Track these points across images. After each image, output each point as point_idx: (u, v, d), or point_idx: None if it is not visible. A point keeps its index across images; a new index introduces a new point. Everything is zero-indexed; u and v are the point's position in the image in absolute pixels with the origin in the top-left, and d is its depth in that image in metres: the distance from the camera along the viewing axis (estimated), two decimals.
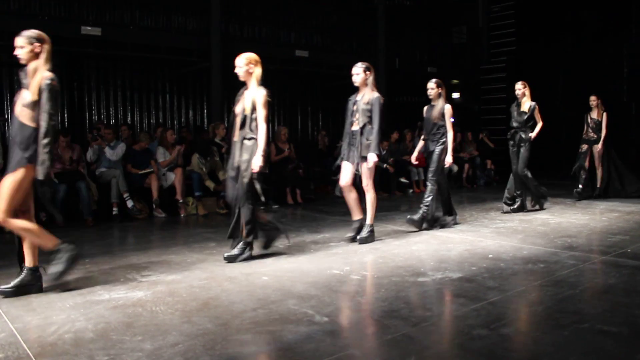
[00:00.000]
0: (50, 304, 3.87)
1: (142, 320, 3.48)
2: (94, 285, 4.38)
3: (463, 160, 12.80)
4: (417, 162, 7.74)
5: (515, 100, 8.18)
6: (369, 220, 6.02)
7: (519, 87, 8.07)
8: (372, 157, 5.75)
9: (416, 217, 6.65)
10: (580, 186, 9.50)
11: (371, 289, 4.11)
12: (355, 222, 6.08)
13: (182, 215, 8.41)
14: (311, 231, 6.78)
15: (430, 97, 6.93)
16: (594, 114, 9.61)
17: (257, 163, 4.99)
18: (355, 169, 5.88)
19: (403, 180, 11.56)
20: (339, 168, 6.10)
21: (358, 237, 5.96)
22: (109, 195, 8.09)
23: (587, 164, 9.60)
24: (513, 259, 5.04)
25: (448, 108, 6.86)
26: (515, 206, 8.11)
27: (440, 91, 6.89)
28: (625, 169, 9.83)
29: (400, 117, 14.38)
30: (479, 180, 13.11)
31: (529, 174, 8.02)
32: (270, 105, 5.26)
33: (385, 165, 11.23)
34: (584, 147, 9.63)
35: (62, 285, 4.35)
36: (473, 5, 17.34)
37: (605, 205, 8.66)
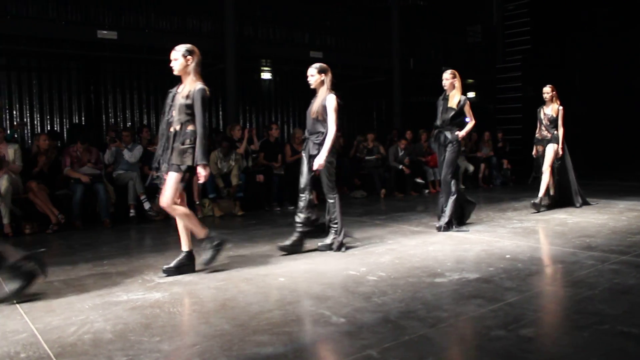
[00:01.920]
0: (70, 305, 3.91)
1: (160, 321, 3.51)
2: (112, 286, 4.42)
3: (479, 160, 12.73)
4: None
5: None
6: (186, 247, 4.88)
7: (447, 77, 6.75)
8: None
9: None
10: (539, 195, 8.07)
11: (388, 289, 4.09)
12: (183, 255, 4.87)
13: (199, 216, 8.43)
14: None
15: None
16: (548, 109, 8.20)
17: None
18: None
19: (419, 180, 11.52)
20: None
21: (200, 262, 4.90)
22: (126, 197, 8.16)
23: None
24: (531, 259, 5.00)
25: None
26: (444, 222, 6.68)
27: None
28: (576, 182, 8.40)
29: (415, 117, 14.34)
30: (495, 180, 13.02)
31: (454, 185, 6.67)
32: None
33: (400, 166, 11.21)
34: (539, 149, 8.32)
35: (80, 287, 4.40)
36: (487, 4, 17.25)
37: (624, 204, 8.56)
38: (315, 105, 5.70)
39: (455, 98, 6.69)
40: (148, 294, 4.16)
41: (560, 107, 8.13)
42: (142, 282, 4.52)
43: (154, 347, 3.05)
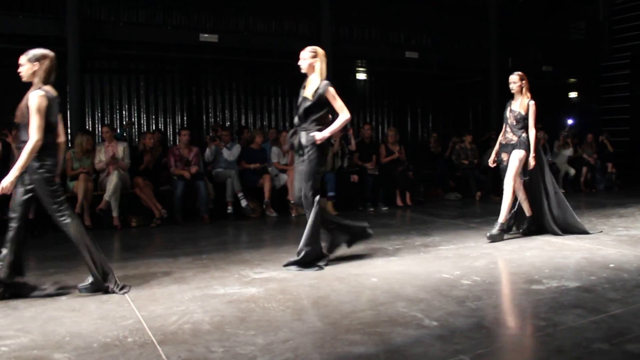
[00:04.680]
0: (171, 296, 4.13)
1: (254, 315, 3.62)
2: (210, 279, 4.61)
3: (581, 163, 12.13)
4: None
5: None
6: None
7: (304, 57, 5.06)
8: None
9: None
10: (499, 220, 6.17)
11: (482, 294, 4.01)
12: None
13: (293, 215, 8.62)
14: (421, 234, 6.71)
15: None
16: (516, 105, 6.27)
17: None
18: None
19: None
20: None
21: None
22: (224, 194, 8.47)
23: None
24: (638, 269, 4.71)
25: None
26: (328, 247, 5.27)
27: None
28: (558, 207, 6.41)
29: None
30: (598, 185, 12.35)
31: (317, 204, 4.97)
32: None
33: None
34: (504, 157, 6.33)
35: (181, 279, 4.63)
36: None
37: None
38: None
39: (312, 84, 5.01)
40: (244, 288, 4.31)
41: (532, 102, 6.19)
42: (239, 277, 4.68)
43: (249, 340, 3.16)
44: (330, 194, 8.92)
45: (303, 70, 5.07)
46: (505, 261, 5.16)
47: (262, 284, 4.42)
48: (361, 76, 13.80)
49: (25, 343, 3.20)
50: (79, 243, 4.22)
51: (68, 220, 4.19)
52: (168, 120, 11.86)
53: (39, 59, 4.17)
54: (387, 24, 12.63)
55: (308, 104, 4.96)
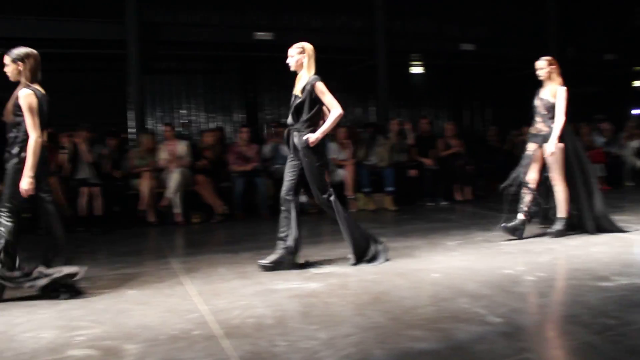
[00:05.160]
0: (234, 291, 4.21)
1: (316, 310, 3.65)
2: (271, 275, 4.66)
3: None
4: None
5: None
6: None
7: (291, 54, 4.93)
8: None
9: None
10: (522, 216, 5.82)
11: (547, 291, 3.91)
12: None
13: (352, 210, 8.62)
14: (481, 229, 6.58)
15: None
16: (545, 92, 5.86)
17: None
18: None
19: None
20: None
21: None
22: None
23: (535, 175, 5.85)
24: None
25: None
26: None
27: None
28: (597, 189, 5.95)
29: (574, 109, 13.42)
30: None
31: (294, 208, 4.93)
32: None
33: None
34: (531, 147, 5.91)
35: (243, 274, 4.72)
36: None
37: None
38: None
39: (301, 81, 4.85)
40: (305, 283, 4.35)
41: (562, 88, 5.75)
42: (299, 272, 4.72)
43: (312, 335, 3.18)
44: (389, 189, 8.89)
45: (292, 68, 4.93)
46: (570, 257, 5.01)
47: (322, 279, 4.45)
48: (416, 70, 13.65)
49: (99, 333, 3.34)
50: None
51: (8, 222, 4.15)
52: (226, 118, 12.07)
53: (23, 58, 4.21)
54: (442, 16, 12.45)
55: (298, 101, 4.80)
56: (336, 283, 4.34)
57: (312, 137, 4.73)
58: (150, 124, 11.21)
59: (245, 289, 4.24)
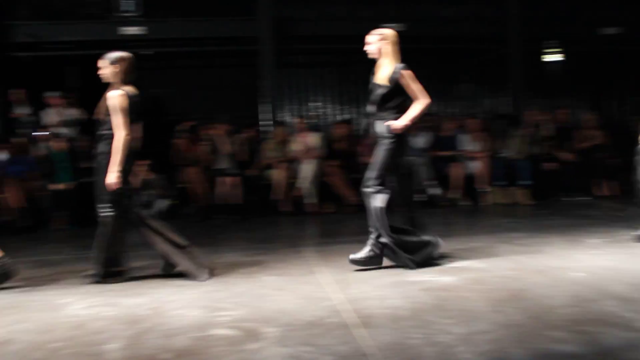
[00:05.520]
0: (368, 281, 4.26)
1: (451, 304, 3.60)
2: (402, 266, 4.63)
3: None
4: None
5: None
6: None
7: (371, 41, 4.74)
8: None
9: None
10: None
11: None
12: None
13: (484, 203, 8.40)
14: (629, 227, 6.09)
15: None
16: None
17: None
18: None
19: None
20: None
21: None
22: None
23: None
24: None
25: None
26: None
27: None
28: None
29: None
30: None
31: (382, 209, 4.66)
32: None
33: None
34: None
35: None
36: None
37: None
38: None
39: (384, 69, 4.67)
40: (439, 277, 4.31)
41: None
42: (432, 265, 4.67)
43: (447, 329, 3.15)
44: (525, 182, 8.57)
45: (372, 56, 4.73)
46: None
47: (456, 273, 4.38)
48: (552, 57, 12.91)
49: (241, 315, 3.54)
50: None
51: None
52: (355, 110, 12.18)
53: (118, 61, 4.51)
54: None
55: (383, 90, 4.60)
56: (471, 277, 4.25)
57: (397, 123, 4.55)
58: (280, 116, 11.59)
59: (379, 280, 4.27)
